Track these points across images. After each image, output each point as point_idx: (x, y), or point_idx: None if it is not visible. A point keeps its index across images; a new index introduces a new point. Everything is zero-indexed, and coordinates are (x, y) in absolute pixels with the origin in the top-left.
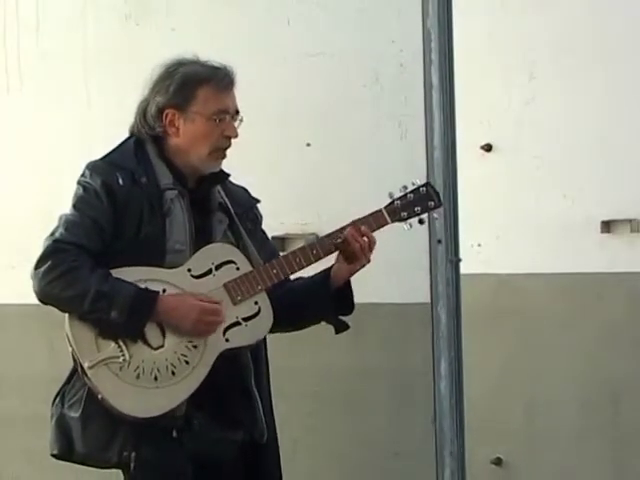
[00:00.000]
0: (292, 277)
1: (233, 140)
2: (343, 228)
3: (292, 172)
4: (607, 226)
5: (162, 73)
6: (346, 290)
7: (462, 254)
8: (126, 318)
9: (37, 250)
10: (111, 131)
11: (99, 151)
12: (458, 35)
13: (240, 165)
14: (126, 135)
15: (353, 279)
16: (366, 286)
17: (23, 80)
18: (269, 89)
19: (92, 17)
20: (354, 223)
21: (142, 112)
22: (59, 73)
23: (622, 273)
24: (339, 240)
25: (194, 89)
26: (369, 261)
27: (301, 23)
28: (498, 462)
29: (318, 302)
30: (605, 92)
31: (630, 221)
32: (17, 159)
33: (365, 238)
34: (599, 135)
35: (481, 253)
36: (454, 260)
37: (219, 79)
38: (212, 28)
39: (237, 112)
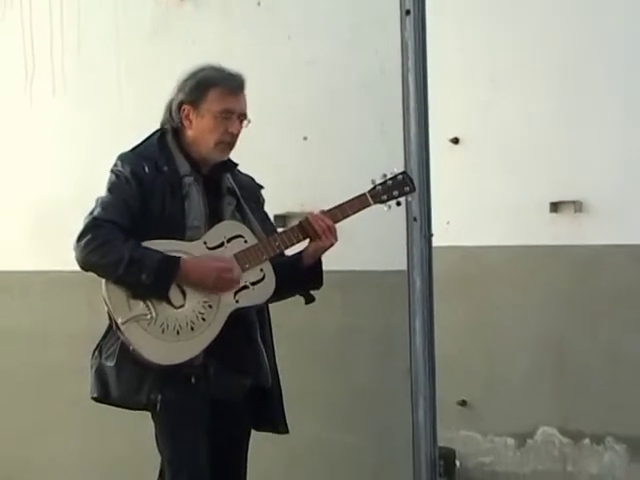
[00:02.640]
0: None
1: (244, 136)
2: (333, 208)
3: (292, 161)
4: (555, 207)
5: (187, 76)
6: (316, 268)
7: (434, 230)
8: (154, 279)
9: (78, 226)
10: (139, 128)
11: (128, 145)
12: (431, 46)
13: (249, 155)
14: (151, 131)
15: (345, 250)
16: (353, 256)
17: (67, 85)
18: (273, 91)
19: (124, 33)
20: (343, 204)
21: (169, 108)
22: (96, 79)
23: (566, 246)
24: (303, 219)
25: (206, 90)
26: (332, 243)
27: (299, 37)
28: (463, 403)
29: (291, 277)
30: (554, 94)
31: (574, 202)
32: (60, 151)
33: (323, 222)
34: (550, 131)
35: (450, 229)
36: (427, 235)
37: (228, 83)
38: (226, 41)
39: (244, 114)
